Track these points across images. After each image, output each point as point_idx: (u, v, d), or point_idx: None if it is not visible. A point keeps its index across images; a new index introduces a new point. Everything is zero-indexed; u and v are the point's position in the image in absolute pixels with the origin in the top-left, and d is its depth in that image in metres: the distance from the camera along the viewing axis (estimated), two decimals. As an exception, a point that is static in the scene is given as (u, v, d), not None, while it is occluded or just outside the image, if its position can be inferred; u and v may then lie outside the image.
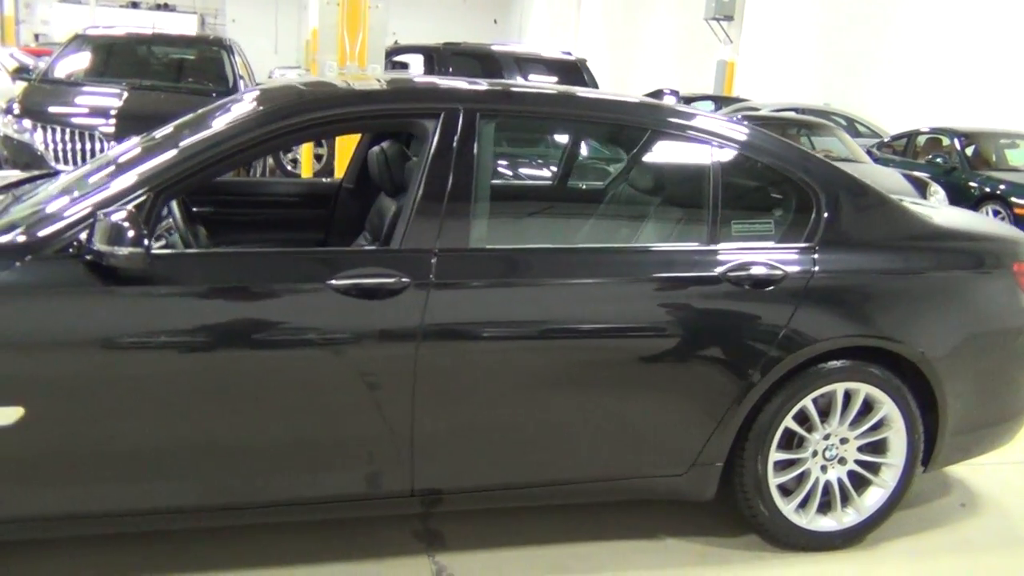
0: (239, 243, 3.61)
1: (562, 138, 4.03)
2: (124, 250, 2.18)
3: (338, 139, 7.04)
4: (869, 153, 10.34)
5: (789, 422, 2.88)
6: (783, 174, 2.97)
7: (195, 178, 2.45)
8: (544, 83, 10.00)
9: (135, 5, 37.73)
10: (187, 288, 2.36)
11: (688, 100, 14.63)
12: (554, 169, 3.92)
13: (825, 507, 3.03)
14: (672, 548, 3.00)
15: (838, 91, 17.32)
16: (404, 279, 2.48)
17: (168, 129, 2.99)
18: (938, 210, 3.50)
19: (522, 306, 2.62)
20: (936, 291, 2.99)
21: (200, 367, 2.36)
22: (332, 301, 2.43)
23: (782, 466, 2.94)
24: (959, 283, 3.04)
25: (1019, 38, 13.50)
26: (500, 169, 4.35)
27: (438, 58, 10.02)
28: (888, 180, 7.98)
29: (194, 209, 3.40)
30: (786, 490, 2.97)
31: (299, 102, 2.70)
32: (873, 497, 3.05)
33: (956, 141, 10.20)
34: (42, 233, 2.31)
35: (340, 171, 6.60)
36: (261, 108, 2.66)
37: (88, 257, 2.26)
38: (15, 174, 3.49)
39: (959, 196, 9.11)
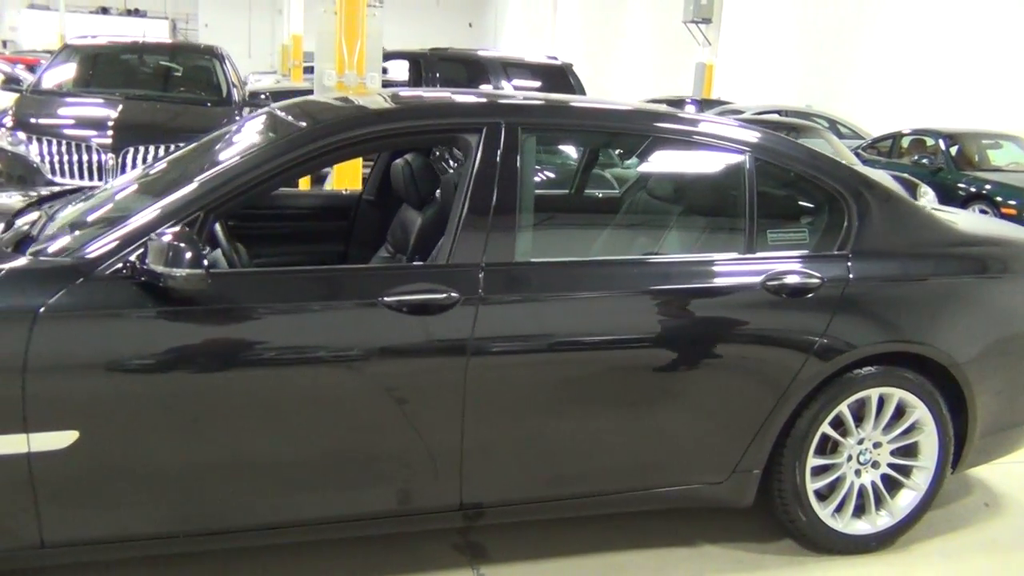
0: (260, 256, 3.59)
1: (601, 150, 4.05)
2: (182, 271, 2.17)
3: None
4: (856, 154, 10.46)
5: (826, 428, 2.92)
6: (815, 182, 3.01)
7: (245, 196, 2.44)
8: (528, 89, 10.02)
9: (105, 11, 37.30)
10: (244, 307, 2.35)
11: (670, 103, 14.70)
12: (592, 182, 3.92)
13: (859, 510, 3.07)
14: (710, 555, 3.03)
15: (817, 93, 17.52)
16: (454, 294, 2.49)
17: (202, 145, 2.97)
18: (959, 215, 3.56)
19: (566, 318, 2.63)
20: (964, 295, 3.04)
21: (256, 386, 2.36)
22: (385, 318, 2.43)
23: (818, 471, 2.98)
24: (986, 287, 3.10)
25: (996, 39, 13.74)
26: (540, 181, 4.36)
27: (425, 63, 9.99)
28: (878, 182, 8.05)
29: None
30: (821, 495, 3.01)
31: (348, 118, 2.70)
32: (906, 499, 3.10)
33: (941, 142, 10.35)
34: (93, 255, 2.29)
35: (338, 183, 6.56)
36: (310, 125, 2.65)
37: (142, 279, 2.24)
38: (33, 192, 3.44)
39: (947, 196, 9.24)
